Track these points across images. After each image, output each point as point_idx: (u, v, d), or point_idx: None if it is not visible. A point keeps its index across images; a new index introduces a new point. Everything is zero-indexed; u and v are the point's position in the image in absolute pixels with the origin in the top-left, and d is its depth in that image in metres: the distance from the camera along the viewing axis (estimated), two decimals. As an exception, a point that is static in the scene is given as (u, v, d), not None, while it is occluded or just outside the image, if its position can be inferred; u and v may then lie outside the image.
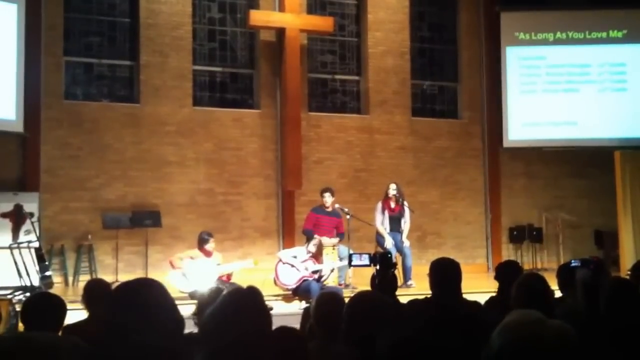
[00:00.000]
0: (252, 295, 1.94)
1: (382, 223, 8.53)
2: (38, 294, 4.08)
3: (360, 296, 2.74)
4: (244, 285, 2.14)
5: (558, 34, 11.35)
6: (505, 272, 4.04)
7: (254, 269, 7.66)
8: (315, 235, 7.99)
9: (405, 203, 8.70)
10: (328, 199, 8.43)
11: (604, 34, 11.35)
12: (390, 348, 1.89)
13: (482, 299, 3.91)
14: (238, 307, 1.86)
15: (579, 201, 11.56)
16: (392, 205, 8.59)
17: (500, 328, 1.57)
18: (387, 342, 1.91)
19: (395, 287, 4.26)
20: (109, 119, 9.64)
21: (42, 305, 3.15)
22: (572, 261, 5.05)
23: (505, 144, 11.27)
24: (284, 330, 2.13)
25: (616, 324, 2.83)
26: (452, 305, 3.25)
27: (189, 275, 7.21)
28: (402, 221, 8.63)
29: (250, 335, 1.81)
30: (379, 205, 8.65)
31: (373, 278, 4.67)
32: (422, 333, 1.94)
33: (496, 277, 4.25)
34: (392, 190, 8.58)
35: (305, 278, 7.40)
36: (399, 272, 7.75)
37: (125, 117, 9.74)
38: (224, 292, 1.93)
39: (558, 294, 4.22)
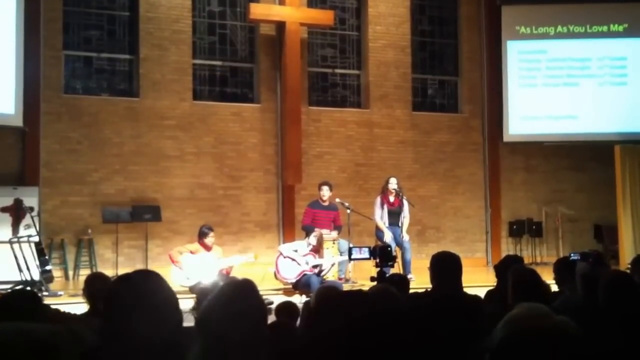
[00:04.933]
0: (246, 287, 1.94)
1: (381, 217, 8.53)
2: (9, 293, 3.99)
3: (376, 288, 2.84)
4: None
5: (559, 28, 11.33)
6: (504, 267, 4.04)
7: (254, 262, 7.67)
8: (316, 228, 8.00)
9: (405, 197, 8.69)
10: (326, 192, 8.44)
11: (605, 28, 11.33)
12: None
13: (481, 292, 3.91)
14: (233, 298, 1.86)
15: (579, 195, 11.56)
16: (391, 199, 8.58)
17: (505, 320, 1.57)
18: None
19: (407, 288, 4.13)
20: (108, 112, 9.63)
21: (15, 302, 3.09)
22: (572, 254, 5.06)
23: (505, 138, 11.27)
24: (279, 326, 2.14)
25: (615, 316, 2.83)
26: (452, 297, 3.26)
27: (189, 270, 7.22)
28: (402, 215, 8.62)
29: (245, 327, 1.81)
30: (378, 199, 8.63)
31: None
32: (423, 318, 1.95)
33: (496, 273, 4.25)
34: (393, 184, 8.57)
35: (305, 272, 7.41)
36: (398, 266, 7.78)
37: (125, 111, 9.72)
38: (220, 285, 1.94)
39: (555, 288, 4.24)
